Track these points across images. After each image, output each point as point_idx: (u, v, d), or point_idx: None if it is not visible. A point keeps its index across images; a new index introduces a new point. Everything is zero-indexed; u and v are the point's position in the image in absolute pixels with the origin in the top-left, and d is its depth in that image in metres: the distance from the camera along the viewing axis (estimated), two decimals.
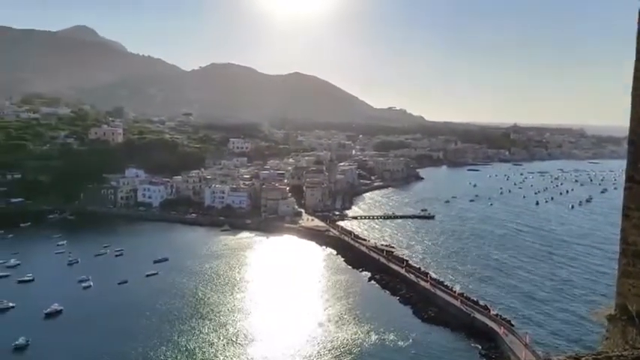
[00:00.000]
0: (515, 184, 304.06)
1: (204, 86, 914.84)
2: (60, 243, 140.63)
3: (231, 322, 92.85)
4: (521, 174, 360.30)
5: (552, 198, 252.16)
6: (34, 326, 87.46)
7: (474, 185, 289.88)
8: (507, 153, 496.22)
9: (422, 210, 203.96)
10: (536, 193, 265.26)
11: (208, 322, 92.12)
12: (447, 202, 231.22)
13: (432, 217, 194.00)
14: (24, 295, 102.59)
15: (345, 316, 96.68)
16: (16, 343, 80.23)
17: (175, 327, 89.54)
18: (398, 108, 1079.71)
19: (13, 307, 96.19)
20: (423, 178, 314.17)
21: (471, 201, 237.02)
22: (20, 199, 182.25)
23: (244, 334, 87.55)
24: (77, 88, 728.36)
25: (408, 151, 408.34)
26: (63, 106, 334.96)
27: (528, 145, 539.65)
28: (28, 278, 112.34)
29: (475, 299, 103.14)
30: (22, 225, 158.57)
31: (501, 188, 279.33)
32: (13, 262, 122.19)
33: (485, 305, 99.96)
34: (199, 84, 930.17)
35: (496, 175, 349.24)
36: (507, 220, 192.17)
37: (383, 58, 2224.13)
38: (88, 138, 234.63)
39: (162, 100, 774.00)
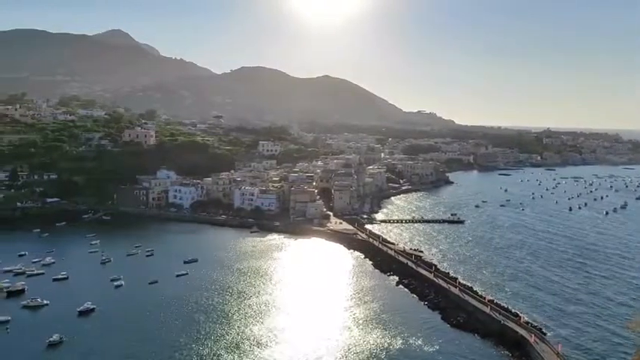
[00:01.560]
0: (547, 189, 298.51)
1: (235, 89, 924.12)
2: (93, 242, 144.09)
3: (257, 323, 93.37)
4: (554, 179, 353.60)
5: (586, 204, 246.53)
6: (67, 324, 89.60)
7: (505, 190, 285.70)
8: (540, 158, 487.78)
9: (451, 214, 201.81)
10: (569, 199, 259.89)
11: (236, 324, 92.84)
12: (477, 206, 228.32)
13: (461, 222, 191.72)
14: (58, 292, 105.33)
15: (372, 320, 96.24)
16: (51, 339, 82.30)
17: (203, 327, 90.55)
18: (427, 111, 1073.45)
19: (47, 304, 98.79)
20: (452, 182, 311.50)
21: (502, 206, 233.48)
22: (56, 199, 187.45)
23: (270, 337, 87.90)
24: (112, 90, 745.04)
25: (437, 154, 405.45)
26: (98, 108, 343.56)
27: (562, 150, 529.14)
28: (62, 276, 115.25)
29: (505, 306, 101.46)
30: (57, 224, 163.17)
31: (533, 193, 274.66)
32: (48, 260, 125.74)
33: (516, 312, 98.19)
34: (230, 87, 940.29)
35: (528, 180, 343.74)
36: (539, 227, 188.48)
37: (413, 62, 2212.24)
38: (121, 140, 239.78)
39: (193, 103, 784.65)
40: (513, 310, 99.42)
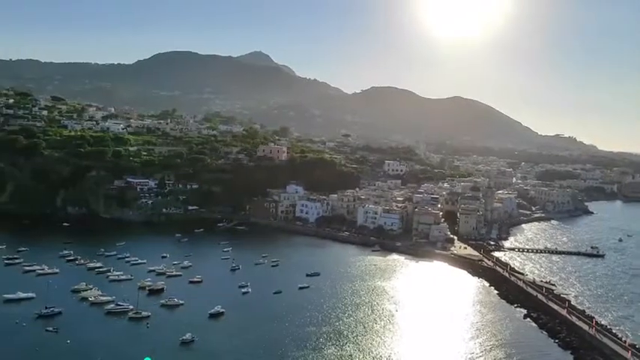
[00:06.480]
0: None
1: (364, 108, 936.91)
2: (226, 249, 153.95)
3: (372, 345, 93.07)
4: None
5: None
6: (198, 324, 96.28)
7: None
8: None
9: (591, 247, 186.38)
10: None
11: (350, 343, 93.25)
12: (620, 240, 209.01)
13: (601, 256, 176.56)
14: (192, 294, 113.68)
15: (496, 353, 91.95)
16: (183, 338, 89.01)
17: (318, 341, 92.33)
18: (566, 135, 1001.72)
19: (182, 304, 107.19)
20: (592, 213, 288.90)
21: None
22: (196, 207, 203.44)
23: None
24: (250, 108, 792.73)
25: (575, 182, 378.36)
26: (237, 124, 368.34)
27: None
28: (197, 279, 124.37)
29: None
30: (196, 231, 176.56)
31: None
32: (186, 263, 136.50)
33: None
34: (360, 106, 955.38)
35: None
36: None
37: (551, 83, 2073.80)
38: (256, 154, 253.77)
39: (324, 121, 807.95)
40: None
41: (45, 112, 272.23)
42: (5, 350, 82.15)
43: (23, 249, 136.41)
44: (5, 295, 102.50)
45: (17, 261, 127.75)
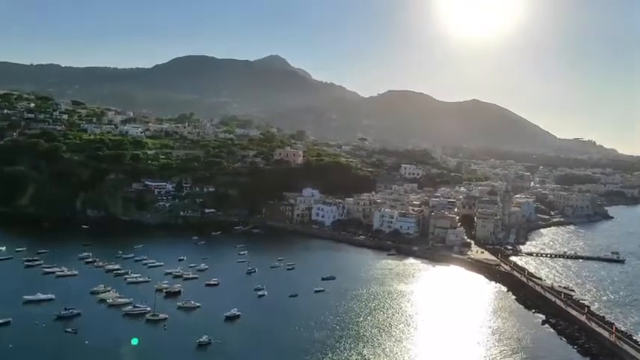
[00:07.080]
0: None
1: (381, 112, 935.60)
2: (242, 252, 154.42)
3: (391, 351, 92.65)
4: None
5: None
6: (215, 327, 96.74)
7: None
8: None
9: (612, 252, 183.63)
10: None
11: (369, 347, 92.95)
12: None
13: (621, 262, 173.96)
14: (209, 297, 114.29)
15: (514, 359, 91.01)
16: (200, 340, 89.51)
17: (338, 347, 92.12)
18: (586, 139, 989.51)
19: (199, 306, 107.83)
20: (612, 217, 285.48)
21: None
22: (212, 210, 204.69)
23: None
24: (267, 111, 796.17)
25: (595, 186, 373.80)
26: (254, 128, 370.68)
27: None
28: (213, 282, 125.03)
29: None
30: (213, 233, 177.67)
31: None
32: (202, 266, 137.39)
33: None
34: (376, 110, 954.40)
35: None
36: None
37: (570, 86, 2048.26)
38: (272, 158, 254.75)
39: (340, 125, 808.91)
40: None
41: (65, 116, 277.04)
42: (25, 351, 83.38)
43: (43, 251, 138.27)
44: (25, 297, 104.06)
45: (37, 263, 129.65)
